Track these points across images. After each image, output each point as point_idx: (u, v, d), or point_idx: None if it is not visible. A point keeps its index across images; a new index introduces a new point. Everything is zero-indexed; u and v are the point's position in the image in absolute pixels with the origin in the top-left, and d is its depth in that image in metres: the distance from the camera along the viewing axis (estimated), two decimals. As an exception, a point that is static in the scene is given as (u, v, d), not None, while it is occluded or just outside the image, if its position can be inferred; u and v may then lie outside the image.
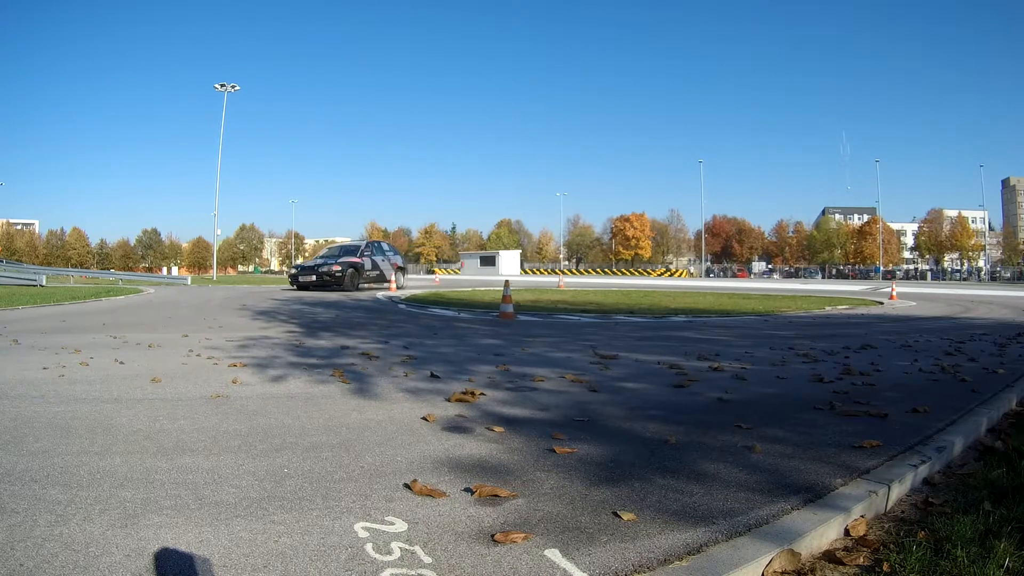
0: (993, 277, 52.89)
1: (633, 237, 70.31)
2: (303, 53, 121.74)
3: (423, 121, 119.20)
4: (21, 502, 1.66)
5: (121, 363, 4.15)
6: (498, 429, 2.46)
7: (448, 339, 5.92)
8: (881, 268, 55.55)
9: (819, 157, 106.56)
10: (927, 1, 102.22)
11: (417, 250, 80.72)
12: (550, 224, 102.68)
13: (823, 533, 1.59)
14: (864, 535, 1.64)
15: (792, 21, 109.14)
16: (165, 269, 71.82)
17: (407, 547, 1.43)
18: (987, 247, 64.14)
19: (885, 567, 1.44)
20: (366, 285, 17.86)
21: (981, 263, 61.68)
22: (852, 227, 68.18)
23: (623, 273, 59.63)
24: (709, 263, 66.24)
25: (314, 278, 16.79)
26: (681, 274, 56.60)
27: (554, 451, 2.17)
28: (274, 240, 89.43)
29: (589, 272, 63.69)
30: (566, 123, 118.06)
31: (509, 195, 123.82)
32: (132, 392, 3.19)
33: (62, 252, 74.00)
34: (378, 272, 18.13)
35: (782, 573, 1.42)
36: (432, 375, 3.69)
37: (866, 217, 69.21)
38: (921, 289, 24.46)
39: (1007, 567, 1.41)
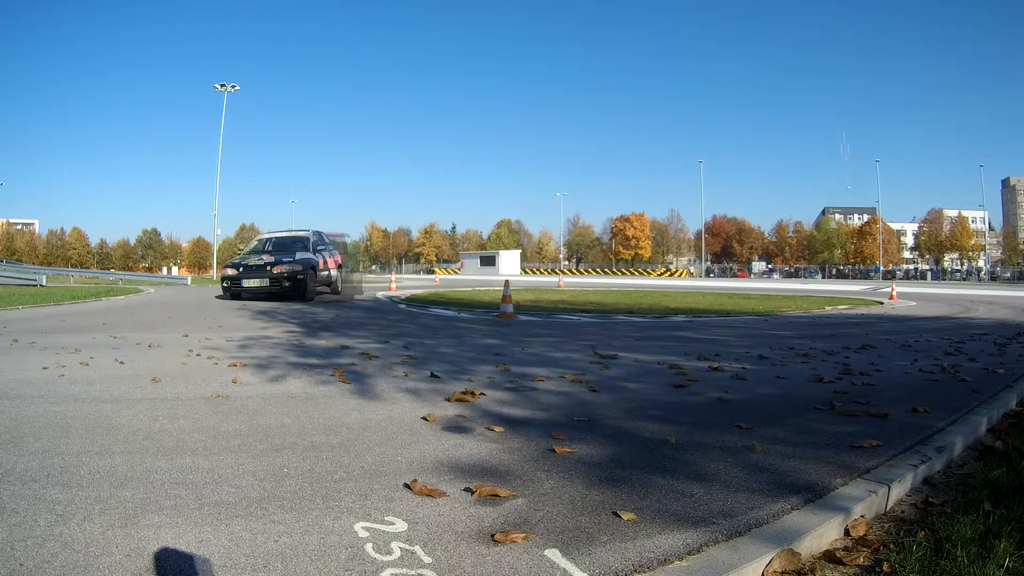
0: (993, 277, 52.90)
1: (633, 237, 70.31)
2: (303, 53, 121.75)
3: (423, 121, 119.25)
4: (21, 502, 1.66)
5: (121, 363, 4.15)
6: (498, 429, 2.46)
7: (448, 339, 5.92)
8: (881, 268, 55.57)
9: (819, 157, 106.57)
10: (927, 1, 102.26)
11: (417, 250, 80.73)
12: (550, 224, 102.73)
13: (823, 533, 1.59)
14: (864, 535, 1.64)
15: (792, 21, 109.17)
16: (165, 269, 71.81)
17: (407, 547, 1.43)
18: (987, 247, 64.15)
19: (885, 567, 1.45)
20: (323, 291, 13.71)
21: (981, 263, 61.70)
22: (852, 227, 68.18)
23: (623, 273, 59.63)
24: (709, 263, 66.26)
25: (267, 283, 11.76)
26: (681, 274, 56.61)
27: (554, 451, 2.17)
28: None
29: (589, 272, 63.69)
30: (566, 123, 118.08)
31: (509, 195, 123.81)
32: (132, 392, 3.19)
33: (62, 252, 73.99)
34: (326, 273, 13.48)
35: (782, 573, 1.42)
36: (432, 375, 3.69)
37: (866, 217, 69.21)
38: (921, 289, 24.47)
39: (1007, 567, 1.41)
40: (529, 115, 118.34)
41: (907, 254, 71.31)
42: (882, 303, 13.54)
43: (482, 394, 3.12)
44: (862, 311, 11.05)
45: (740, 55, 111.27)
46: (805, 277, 54.84)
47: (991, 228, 68.67)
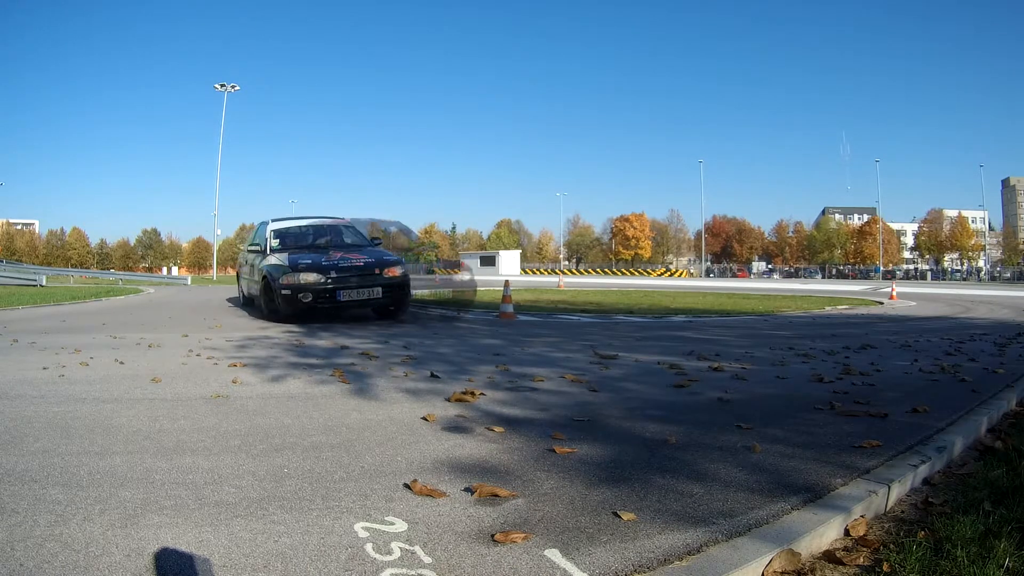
0: (993, 277, 52.89)
1: (633, 237, 70.30)
2: (303, 53, 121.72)
3: (423, 121, 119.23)
4: (21, 502, 1.66)
5: (121, 363, 4.15)
6: (498, 429, 2.46)
7: (448, 339, 5.92)
8: (881, 268, 55.56)
9: (819, 157, 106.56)
10: (927, 1, 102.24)
11: (417, 250, 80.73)
12: (550, 224, 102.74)
13: (823, 533, 1.59)
14: (864, 535, 1.64)
15: (792, 21, 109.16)
16: (165, 269, 71.80)
17: (407, 547, 1.43)
18: (987, 247, 64.17)
19: (885, 567, 1.44)
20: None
21: (981, 263, 61.70)
22: (852, 227, 68.18)
23: (623, 273, 59.62)
24: (709, 263, 66.24)
25: (378, 293, 7.51)
26: (681, 274, 56.61)
27: (554, 451, 2.17)
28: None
29: (589, 272, 63.67)
30: (566, 123, 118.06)
31: (509, 195, 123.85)
32: (132, 392, 3.19)
33: (62, 252, 73.97)
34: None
35: (782, 573, 1.42)
36: (432, 375, 3.69)
37: (866, 217, 69.20)
38: (921, 289, 24.46)
39: (1007, 567, 1.41)
40: (529, 115, 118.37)
41: (907, 254, 71.30)
42: (882, 303, 13.54)
43: (482, 394, 3.12)
44: (862, 311, 11.05)
45: (740, 55, 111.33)
46: (805, 277, 54.84)
47: (991, 228, 68.67)
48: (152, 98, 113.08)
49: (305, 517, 1.58)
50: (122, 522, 1.54)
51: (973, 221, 65.21)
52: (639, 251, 70.50)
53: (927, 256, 66.43)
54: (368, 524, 1.55)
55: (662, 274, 56.71)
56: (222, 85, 40.13)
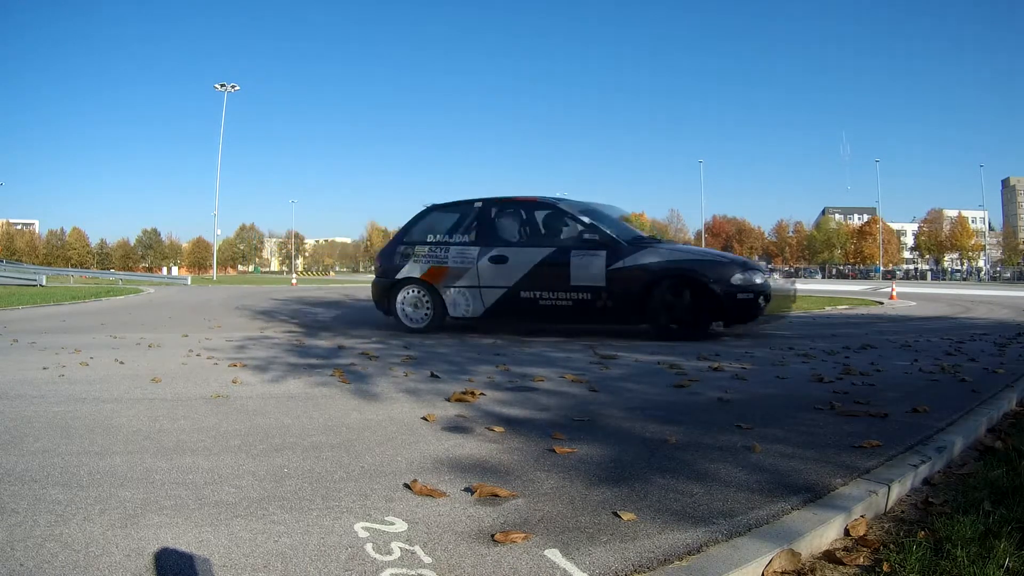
0: (993, 277, 52.89)
1: (633, 237, 70.26)
2: (303, 53, 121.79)
3: (423, 121, 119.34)
4: (21, 502, 1.66)
5: (121, 363, 4.15)
6: (498, 429, 2.46)
7: (448, 339, 5.91)
8: (881, 268, 55.58)
9: (819, 157, 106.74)
10: (927, 1, 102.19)
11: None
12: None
13: (823, 533, 1.59)
14: (864, 535, 1.64)
15: (792, 21, 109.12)
16: (165, 269, 71.81)
17: (407, 547, 1.43)
18: (987, 247, 64.16)
19: (885, 567, 1.44)
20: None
21: (981, 263, 61.69)
22: (852, 227, 68.22)
23: (623, 273, 59.42)
24: (709, 263, 66.06)
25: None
26: (681, 274, 56.43)
27: (554, 451, 2.17)
28: (274, 240, 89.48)
29: (589, 272, 63.50)
30: (566, 123, 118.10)
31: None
32: (132, 392, 3.19)
33: (62, 252, 74.00)
34: None
35: (782, 573, 1.42)
36: (432, 375, 3.69)
37: (866, 217, 69.22)
38: (921, 289, 24.46)
39: (1007, 567, 1.41)
40: (529, 115, 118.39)
41: (907, 254, 71.33)
42: (882, 303, 13.54)
43: (482, 394, 3.12)
44: (862, 311, 11.04)
45: (740, 55, 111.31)
46: (805, 277, 54.78)
47: (991, 228, 68.67)
48: (152, 98, 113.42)
49: (305, 517, 1.58)
50: (122, 522, 1.54)
51: (973, 221, 65.24)
52: (639, 251, 70.41)
53: (927, 256, 66.45)
54: (368, 524, 1.55)
55: (662, 274, 56.53)
56: (222, 85, 40.15)
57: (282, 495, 1.74)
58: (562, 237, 6.19)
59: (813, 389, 3.36)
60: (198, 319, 8.39)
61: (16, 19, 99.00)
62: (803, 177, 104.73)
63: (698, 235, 67.65)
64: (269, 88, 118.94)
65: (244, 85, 71.32)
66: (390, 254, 6.85)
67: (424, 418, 2.64)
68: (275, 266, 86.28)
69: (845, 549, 1.56)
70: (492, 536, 1.48)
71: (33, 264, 46.42)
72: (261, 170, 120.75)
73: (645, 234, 6.85)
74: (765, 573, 1.42)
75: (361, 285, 24.40)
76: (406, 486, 1.82)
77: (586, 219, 6.14)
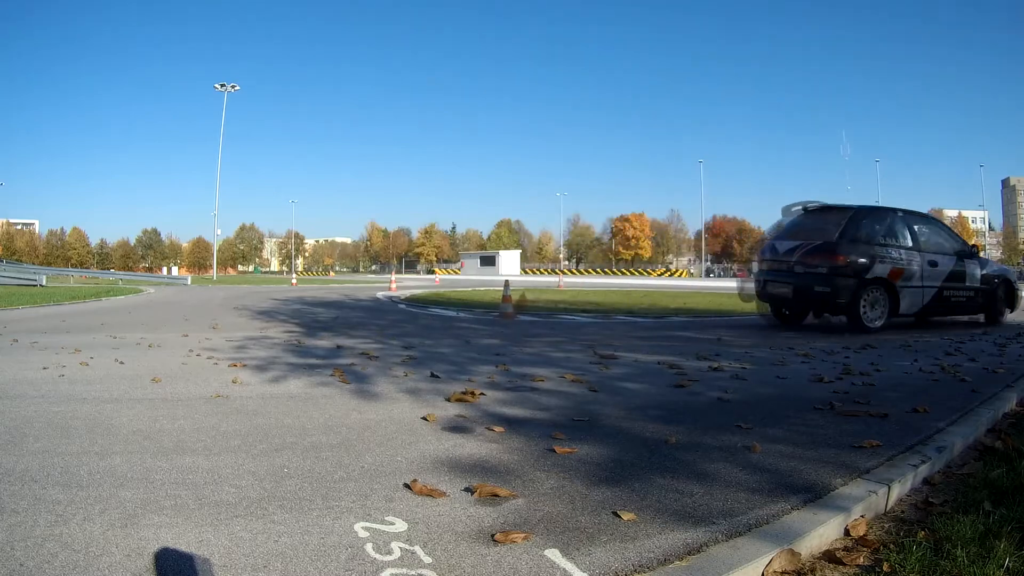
0: (993, 277, 52.78)
1: (633, 237, 70.36)
2: (303, 53, 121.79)
3: (423, 121, 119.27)
4: (21, 502, 1.66)
5: (121, 363, 4.16)
6: (498, 429, 2.46)
7: (448, 339, 5.92)
8: (881, 268, 55.47)
9: (819, 157, 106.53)
10: (927, 1, 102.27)
11: (417, 250, 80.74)
12: (550, 224, 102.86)
13: (823, 533, 1.59)
14: (864, 535, 1.64)
15: (792, 21, 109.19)
16: (165, 269, 71.79)
17: (407, 547, 1.43)
18: (987, 247, 64.15)
19: (885, 567, 1.44)
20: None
21: (981, 263, 61.54)
22: (852, 227, 68.12)
23: (623, 273, 59.61)
24: (709, 263, 66.22)
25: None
26: (681, 274, 56.58)
27: (554, 451, 2.17)
28: (274, 240, 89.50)
29: (589, 272, 63.68)
30: (566, 123, 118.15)
31: (509, 195, 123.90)
32: (132, 392, 3.19)
33: (62, 252, 74.03)
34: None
35: (782, 573, 1.42)
36: (432, 375, 3.69)
37: (866, 217, 69.13)
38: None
39: (1007, 567, 1.41)
40: (529, 115, 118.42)
41: (907, 254, 71.28)
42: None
43: (482, 394, 3.12)
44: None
45: (740, 55, 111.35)
46: (805, 277, 54.69)
47: (991, 228, 68.70)
48: (152, 98, 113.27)
49: (305, 517, 1.58)
50: (122, 522, 1.54)
51: (973, 221, 65.30)
52: (639, 251, 70.53)
53: (927, 256, 66.41)
54: (368, 524, 1.55)
55: (662, 274, 56.68)
56: (222, 85, 40.12)
57: (282, 495, 1.74)
58: (949, 246, 7.62)
59: (813, 389, 3.36)
60: (198, 319, 8.39)
61: (16, 19, 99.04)
62: (803, 177, 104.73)
63: (698, 235, 67.67)
64: (269, 88, 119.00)
65: (244, 85, 71.38)
66: (851, 252, 6.79)
67: (424, 418, 2.64)
68: (275, 266, 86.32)
69: (845, 549, 1.56)
70: (492, 536, 1.48)
71: (33, 264, 46.41)
72: (261, 170, 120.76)
73: None
74: (765, 573, 1.42)
75: (361, 285, 24.40)
76: (406, 486, 1.82)
77: (955, 235, 7.97)
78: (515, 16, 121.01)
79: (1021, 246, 66.14)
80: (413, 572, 1.32)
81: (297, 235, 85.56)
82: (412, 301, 12.45)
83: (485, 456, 2.13)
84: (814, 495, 1.77)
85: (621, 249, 70.77)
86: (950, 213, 67.31)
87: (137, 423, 2.53)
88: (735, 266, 65.62)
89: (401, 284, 23.26)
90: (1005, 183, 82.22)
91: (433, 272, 62.29)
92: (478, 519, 1.59)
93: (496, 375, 3.75)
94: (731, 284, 30.87)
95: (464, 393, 3.06)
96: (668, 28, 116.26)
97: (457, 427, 2.51)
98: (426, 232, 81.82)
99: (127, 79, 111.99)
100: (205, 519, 1.56)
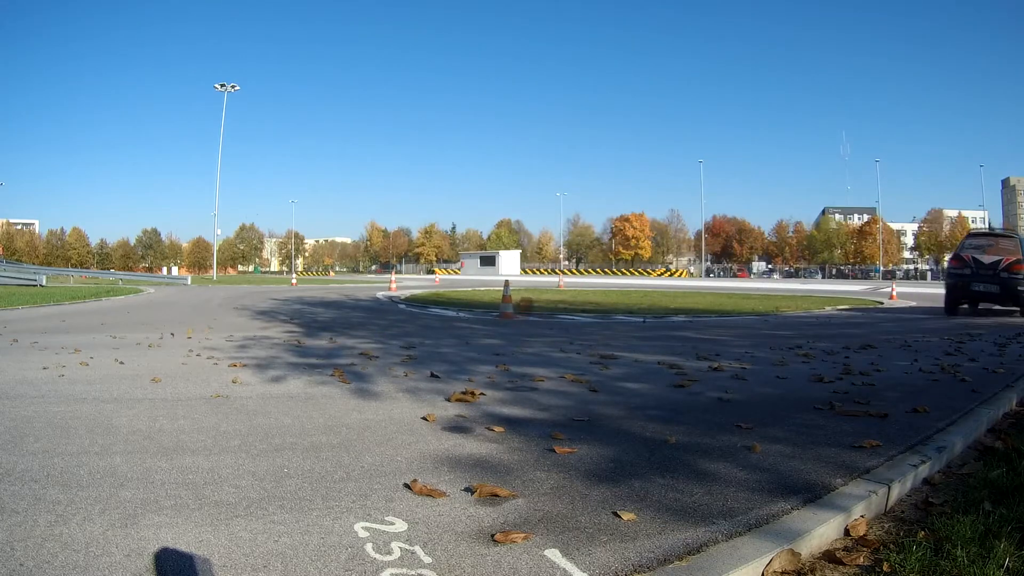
0: (993, 277, 52.72)
1: (633, 237, 70.28)
2: (303, 53, 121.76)
3: (423, 121, 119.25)
4: (21, 502, 1.66)
5: (121, 363, 4.15)
6: (498, 429, 2.46)
7: (448, 339, 5.92)
8: (881, 268, 55.53)
9: (819, 157, 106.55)
10: (927, 1, 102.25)
11: (417, 250, 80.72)
12: (550, 224, 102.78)
13: (823, 533, 1.59)
14: (864, 535, 1.64)
15: (792, 21, 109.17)
16: (165, 269, 71.79)
17: (407, 547, 1.43)
18: (987, 247, 63.99)
19: (885, 567, 1.44)
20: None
21: (981, 263, 61.48)
22: (852, 227, 68.18)
23: (623, 273, 59.61)
24: (709, 263, 66.20)
25: None
26: (681, 274, 56.58)
27: (554, 451, 2.17)
28: (274, 240, 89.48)
29: (589, 272, 63.68)
30: (566, 123, 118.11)
31: (509, 195, 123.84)
32: (132, 392, 3.19)
33: (62, 252, 74.00)
34: None
35: (782, 573, 1.42)
36: (432, 375, 3.69)
37: (866, 217, 69.17)
38: (921, 289, 24.43)
39: (1007, 567, 1.41)
40: (529, 115, 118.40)
41: (907, 254, 71.29)
42: (882, 303, 13.54)
43: (482, 394, 3.12)
44: (862, 311, 11.04)
45: (740, 55, 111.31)
46: (805, 277, 54.82)
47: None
48: (152, 98, 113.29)
49: (305, 517, 1.58)
50: (122, 522, 1.54)
51: (973, 221, 65.15)
52: (639, 251, 70.47)
53: (927, 256, 66.42)
54: (368, 524, 1.55)
55: (662, 274, 56.68)
56: (222, 85, 40.10)
57: (282, 495, 1.74)
58: None
59: (813, 389, 3.36)
60: (198, 319, 8.39)
61: (16, 19, 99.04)
62: (803, 177, 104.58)
63: (698, 235, 67.60)
64: (269, 88, 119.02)
65: (244, 85, 71.42)
66: None
67: (424, 418, 2.64)
68: (275, 266, 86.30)
69: (845, 549, 1.56)
70: (492, 536, 1.48)
71: (33, 264, 46.40)
72: (261, 170, 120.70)
73: None
74: (765, 573, 1.42)
75: (361, 285, 24.40)
76: (406, 486, 1.82)
77: None
78: (516, 16, 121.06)
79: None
80: (413, 572, 1.31)
81: (297, 235, 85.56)
82: (412, 301, 12.45)
83: (485, 456, 2.13)
84: (814, 495, 1.77)
85: (621, 249, 70.71)
86: (950, 213, 67.28)
87: (137, 423, 2.53)
88: (735, 266, 65.65)
89: (401, 284, 23.26)
90: (1005, 183, 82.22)
91: (433, 272, 62.27)
92: (478, 519, 1.59)
93: (496, 375, 3.75)
94: (732, 284, 30.81)
95: (464, 393, 3.06)
96: (668, 28, 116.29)
97: (457, 427, 2.51)
98: (426, 232, 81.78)
99: (127, 79, 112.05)
100: (205, 519, 1.56)
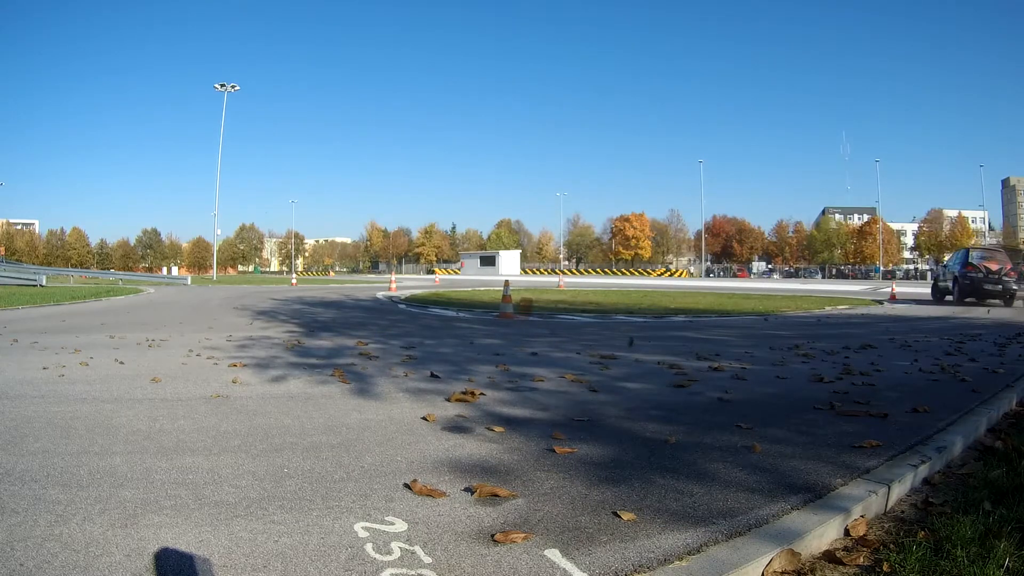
0: (993, 277, 52.73)
1: (633, 237, 70.26)
2: (303, 53, 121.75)
3: (423, 121, 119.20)
4: (21, 502, 1.66)
5: (121, 363, 4.15)
6: (498, 429, 2.46)
7: (448, 339, 5.92)
8: (881, 268, 55.50)
9: (819, 157, 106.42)
10: (927, 1, 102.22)
11: (417, 250, 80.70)
12: (550, 224, 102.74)
13: (823, 533, 1.59)
14: (864, 535, 1.64)
15: (792, 21, 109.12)
16: (165, 269, 71.78)
17: (407, 547, 1.43)
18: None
19: (885, 567, 1.44)
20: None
21: (981, 263, 61.49)
22: (852, 227, 68.18)
23: (623, 273, 59.61)
24: (709, 263, 66.18)
25: None
26: (681, 274, 56.58)
27: (554, 451, 2.17)
28: (274, 240, 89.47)
29: (589, 272, 63.68)
30: (566, 123, 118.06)
31: (509, 195, 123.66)
32: (132, 392, 3.19)
33: (62, 252, 73.99)
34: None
35: (782, 573, 1.42)
36: (432, 375, 3.69)
37: (866, 217, 69.16)
38: (922, 289, 24.43)
39: (1007, 567, 1.41)
40: (529, 115, 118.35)
41: (907, 254, 71.26)
42: (882, 303, 13.54)
43: (482, 394, 3.12)
44: (862, 311, 11.04)
45: (740, 55, 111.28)
46: (805, 277, 54.81)
47: (991, 228, 68.68)
48: (152, 98, 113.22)
49: (305, 517, 1.58)
50: (122, 522, 1.54)
51: (973, 221, 65.23)
52: (639, 251, 70.45)
53: (927, 256, 66.38)
54: (368, 524, 1.55)
55: (662, 274, 56.68)
56: (222, 85, 40.09)
57: (282, 495, 1.74)
58: None
59: (813, 389, 3.36)
60: (198, 319, 8.39)
61: (16, 19, 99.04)
62: (803, 177, 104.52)
63: (698, 235, 67.57)
64: (269, 88, 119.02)
65: (244, 85, 71.44)
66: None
67: (424, 418, 2.64)
68: (275, 266, 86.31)
69: (845, 549, 1.57)
70: (492, 536, 1.48)
71: (33, 264, 46.42)
72: (261, 170, 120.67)
73: None
74: (765, 573, 1.42)
75: (361, 285, 24.40)
76: (406, 486, 1.82)
77: None
78: (516, 16, 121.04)
79: (1021, 246, 66.12)
80: (413, 572, 1.32)
81: (297, 235, 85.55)
82: (412, 301, 12.45)
83: (485, 456, 2.13)
84: (814, 495, 1.78)
85: (621, 249, 70.68)
86: (950, 213, 67.24)
87: (137, 423, 2.53)
88: (735, 266, 65.64)
89: (401, 284, 23.26)
90: (1005, 183, 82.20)
91: (433, 272, 62.27)
92: (478, 519, 1.59)
93: (496, 375, 3.75)
94: (732, 284, 30.79)
95: (464, 393, 3.06)
96: (668, 28, 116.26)
97: (457, 427, 2.51)
98: (426, 232, 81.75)
99: (127, 79, 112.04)
100: (205, 519, 1.56)
